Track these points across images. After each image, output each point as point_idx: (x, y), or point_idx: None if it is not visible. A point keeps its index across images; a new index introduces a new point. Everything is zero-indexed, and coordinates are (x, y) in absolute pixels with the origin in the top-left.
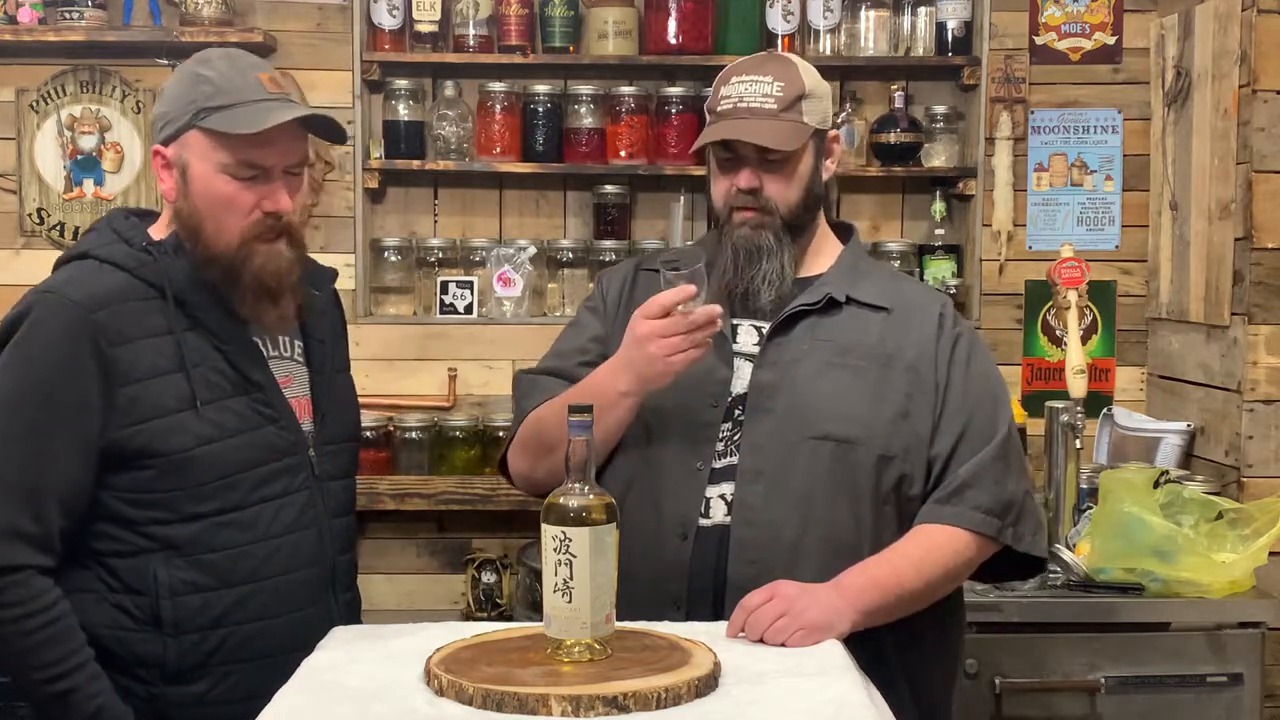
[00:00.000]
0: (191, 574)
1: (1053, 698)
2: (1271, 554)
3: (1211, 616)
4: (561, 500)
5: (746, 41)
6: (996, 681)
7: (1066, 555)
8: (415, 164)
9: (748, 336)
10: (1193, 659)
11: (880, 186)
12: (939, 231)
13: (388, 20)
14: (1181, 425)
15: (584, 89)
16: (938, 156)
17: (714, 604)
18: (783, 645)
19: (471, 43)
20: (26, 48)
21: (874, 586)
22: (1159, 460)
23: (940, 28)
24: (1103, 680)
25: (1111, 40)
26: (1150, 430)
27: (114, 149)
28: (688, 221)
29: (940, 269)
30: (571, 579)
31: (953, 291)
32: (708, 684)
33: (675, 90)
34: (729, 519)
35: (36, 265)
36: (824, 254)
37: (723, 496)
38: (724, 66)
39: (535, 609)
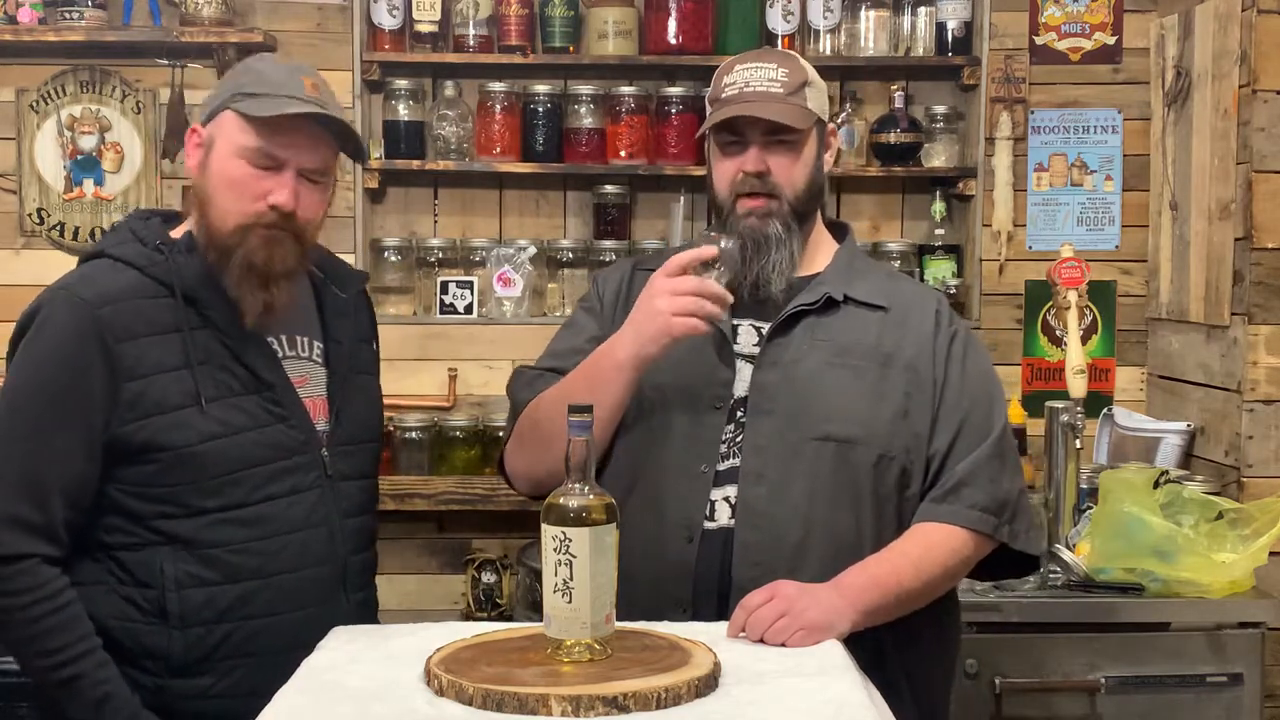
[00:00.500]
0: (197, 568)
1: (1053, 698)
2: (1271, 554)
3: (1211, 616)
4: (561, 500)
5: (746, 41)
6: (996, 681)
7: (1067, 555)
8: (415, 164)
9: (747, 337)
10: (1193, 659)
11: (880, 186)
12: (939, 231)
13: (388, 20)
14: (1181, 425)
15: (584, 89)
16: (938, 156)
17: (719, 606)
18: (783, 645)
19: (471, 43)
20: (26, 48)
21: (874, 586)
22: (1159, 460)
23: (940, 28)
24: (1103, 680)
25: (1111, 40)
26: (1150, 430)
27: (114, 149)
28: (688, 221)
29: (940, 269)
30: (571, 579)
31: (953, 291)
32: (708, 684)
33: (675, 90)
34: (733, 522)
35: (36, 265)
36: (820, 253)
37: (727, 499)
38: None
39: (535, 609)
